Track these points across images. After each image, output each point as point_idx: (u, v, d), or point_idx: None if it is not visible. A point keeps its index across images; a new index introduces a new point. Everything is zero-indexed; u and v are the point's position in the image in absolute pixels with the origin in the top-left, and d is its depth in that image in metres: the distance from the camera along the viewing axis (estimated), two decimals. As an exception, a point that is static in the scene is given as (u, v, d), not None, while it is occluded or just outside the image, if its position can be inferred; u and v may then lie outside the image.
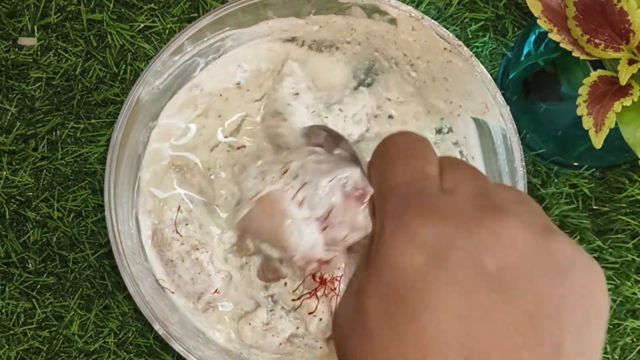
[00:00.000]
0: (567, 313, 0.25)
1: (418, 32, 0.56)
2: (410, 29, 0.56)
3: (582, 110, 0.50)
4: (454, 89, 0.58)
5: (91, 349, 0.59)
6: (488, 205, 0.27)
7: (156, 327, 0.53)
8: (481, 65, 0.56)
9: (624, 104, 0.48)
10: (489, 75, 0.56)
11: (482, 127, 0.58)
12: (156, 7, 0.62)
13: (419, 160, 0.29)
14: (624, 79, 0.48)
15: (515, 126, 0.55)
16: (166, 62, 0.55)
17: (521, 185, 0.55)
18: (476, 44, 0.64)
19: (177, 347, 0.52)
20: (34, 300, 0.59)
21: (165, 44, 0.58)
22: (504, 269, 0.25)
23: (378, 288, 0.26)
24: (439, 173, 0.29)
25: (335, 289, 0.48)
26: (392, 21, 0.56)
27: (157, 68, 0.55)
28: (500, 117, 0.56)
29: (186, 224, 0.56)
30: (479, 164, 0.59)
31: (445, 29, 0.55)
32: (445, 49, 0.56)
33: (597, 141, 0.49)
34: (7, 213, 0.59)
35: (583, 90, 0.49)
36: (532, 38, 0.60)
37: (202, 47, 0.56)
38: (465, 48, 0.55)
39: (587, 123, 0.49)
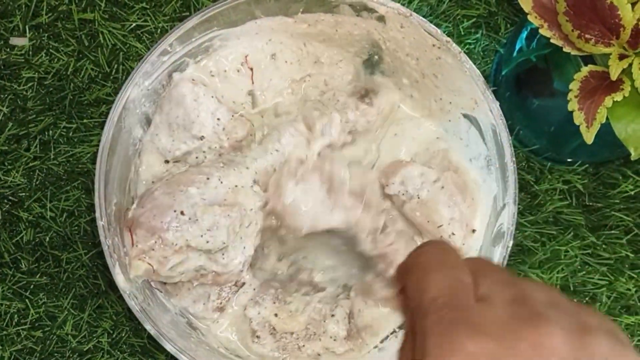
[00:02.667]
0: None
1: (406, 29, 0.56)
2: (399, 26, 0.56)
3: (573, 105, 0.49)
4: (443, 85, 0.58)
5: (85, 349, 0.59)
6: (525, 314, 0.28)
7: (147, 327, 0.52)
8: (470, 61, 0.55)
9: (615, 99, 0.48)
10: (478, 71, 0.55)
11: (471, 123, 0.58)
12: (148, 7, 0.62)
13: (453, 270, 0.30)
14: (614, 74, 0.48)
15: (504, 121, 0.55)
16: (155, 62, 0.55)
17: (512, 181, 0.55)
18: (469, 41, 0.64)
19: (168, 347, 0.52)
20: (27, 300, 0.59)
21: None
22: None
23: None
24: (472, 280, 0.30)
25: None
26: (381, 18, 0.56)
27: (147, 69, 0.54)
28: (490, 113, 0.55)
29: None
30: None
31: (433, 26, 0.55)
32: (434, 45, 0.56)
33: (589, 136, 0.49)
34: (-1, 213, 0.59)
35: (574, 86, 0.49)
36: (524, 34, 0.60)
37: (190, 47, 0.56)
38: (454, 44, 0.55)
39: (578, 118, 0.49)
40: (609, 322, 0.30)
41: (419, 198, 0.56)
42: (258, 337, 0.56)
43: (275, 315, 0.56)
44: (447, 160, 0.58)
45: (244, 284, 0.56)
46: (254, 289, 0.56)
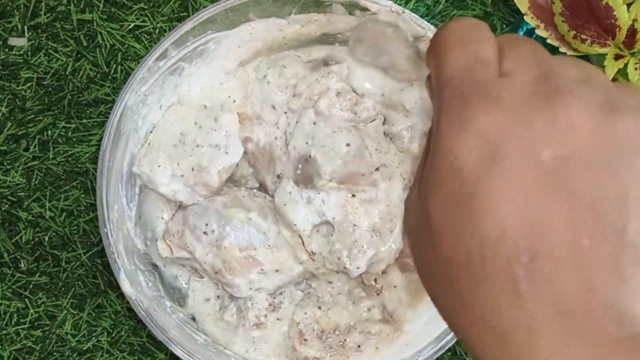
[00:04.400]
0: (631, 200, 0.24)
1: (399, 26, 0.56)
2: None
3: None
4: None
5: (84, 348, 0.59)
6: (548, 89, 0.25)
7: (155, 332, 0.52)
8: None
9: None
10: None
11: None
12: (146, 7, 0.62)
13: (474, 46, 0.27)
14: (610, 74, 0.49)
15: None
16: (151, 68, 0.55)
17: None
18: (465, 41, 0.64)
19: (178, 352, 0.52)
20: (26, 300, 0.59)
21: (155, 43, 0.59)
22: (561, 158, 0.24)
23: (437, 184, 0.25)
24: (498, 55, 0.27)
25: None
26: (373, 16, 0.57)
27: (143, 75, 0.54)
28: None
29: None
30: None
31: (426, 22, 0.55)
32: (424, 40, 0.56)
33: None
34: (-1, 213, 0.60)
35: (569, 86, 0.50)
36: (520, 35, 0.60)
37: (186, 51, 0.56)
38: None
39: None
40: None
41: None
42: (306, 340, 0.56)
43: (319, 308, 0.56)
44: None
45: (276, 305, 0.57)
46: (298, 299, 0.57)
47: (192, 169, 0.55)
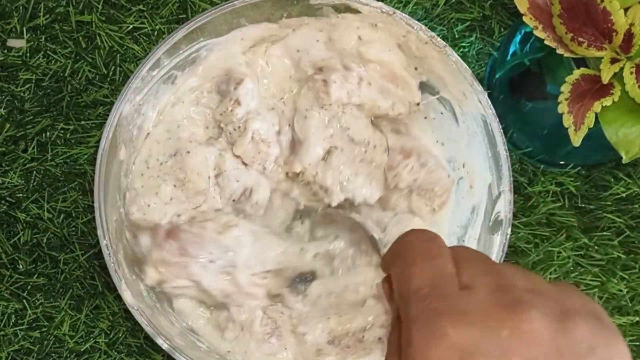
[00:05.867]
0: None
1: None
2: (383, 25, 0.56)
3: (562, 108, 0.50)
4: (431, 80, 0.58)
5: (82, 349, 0.59)
6: (507, 301, 0.28)
7: (159, 341, 0.52)
8: (456, 54, 0.55)
9: (604, 104, 0.49)
10: (464, 64, 0.56)
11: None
12: (145, 9, 0.62)
13: (436, 260, 0.31)
14: (606, 78, 0.49)
15: (494, 111, 0.55)
16: (145, 77, 0.55)
17: (506, 169, 0.55)
18: (463, 44, 0.64)
19: None
20: (24, 301, 0.59)
21: (154, 45, 0.59)
22: None
23: None
24: (455, 269, 0.31)
25: None
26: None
27: (137, 84, 0.54)
28: (479, 104, 0.56)
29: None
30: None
31: (417, 22, 0.55)
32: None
33: (576, 139, 0.50)
34: (-3, 214, 0.60)
35: (565, 88, 0.50)
36: (518, 38, 0.60)
37: (178, 59, 0.56)
38: (439, 39, 0.55)
39: (567, 121, 0.50)
40: (592, 304, 0.30)
41: (354, 105, 0.56)
42: (320, 349, 0.56)
43: (328, 318, 0.56)
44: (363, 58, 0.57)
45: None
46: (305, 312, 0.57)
47: (175, 186, 0.55)
